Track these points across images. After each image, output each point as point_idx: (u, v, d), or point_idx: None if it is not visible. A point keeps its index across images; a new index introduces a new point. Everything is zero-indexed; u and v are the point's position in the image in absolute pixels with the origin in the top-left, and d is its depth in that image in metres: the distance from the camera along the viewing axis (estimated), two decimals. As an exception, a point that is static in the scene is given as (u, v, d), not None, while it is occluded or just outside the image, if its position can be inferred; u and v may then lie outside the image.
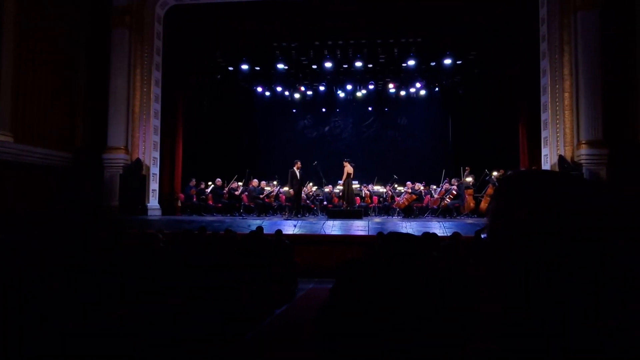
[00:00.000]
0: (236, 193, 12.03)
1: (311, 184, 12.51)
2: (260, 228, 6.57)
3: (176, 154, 12.73)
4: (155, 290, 2.31)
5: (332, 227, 8.75)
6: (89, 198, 10.13)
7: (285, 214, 11.03)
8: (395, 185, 13.05)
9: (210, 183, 12.35)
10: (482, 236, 5.06)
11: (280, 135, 16.66)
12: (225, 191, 11.99)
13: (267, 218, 10.82)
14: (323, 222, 9.05)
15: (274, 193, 12.23)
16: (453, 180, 11.46)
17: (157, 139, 11.52)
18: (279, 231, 6.53)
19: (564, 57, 9.50)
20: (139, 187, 10.60)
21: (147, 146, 11.03)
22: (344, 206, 10.85)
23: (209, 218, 10.78)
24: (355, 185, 12.46)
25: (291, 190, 10.87)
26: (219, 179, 12.17)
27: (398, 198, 11.89)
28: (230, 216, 11.37)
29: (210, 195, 12.13)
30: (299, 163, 10.82)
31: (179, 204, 12.43)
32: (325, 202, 12.75)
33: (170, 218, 10.38)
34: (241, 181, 12.46)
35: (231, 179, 12.19)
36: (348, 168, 10.79)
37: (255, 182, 12.13)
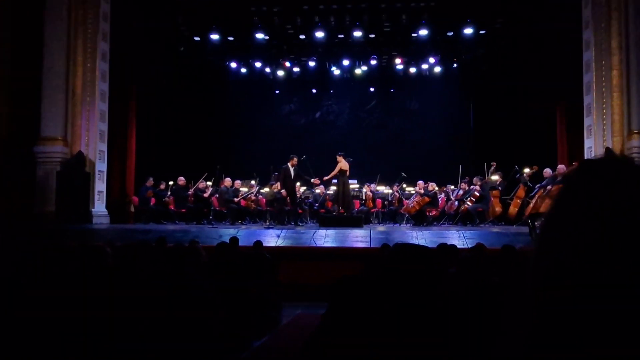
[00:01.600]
0: (204, 195, 12.02)
1: (298, 183, 12.57)
2: (234, 239, 6.56)
3: (129, 146, 12.65)
4: (98, 324, 2.27)
5: (325, 237, 8.77)
6: (15, 203, 10.02)
7: (267, 222, 11.04)
8: (404, 186, 13.13)
9: (171, 183, 12.30)
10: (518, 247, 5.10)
11: (260, 122, 16.65)
12: (190, 193, 11.97)
13: (243, 226, 10.82)
14: (313, 231, 9.06)
15: (252, 195, 12.26)
16: (475, 179, 11.56)
17: (105, 127, 11.42)
18: (259, 243, 6.52)
19: (612, 26, 9.38)
20: (81, 188, 10.50)
21: (92, 136, 10.94)
22: (340, 211, 10.91)
23: (171, 227, 10.74)
24: (354, 185, 12.54)
25: (283, 191, 10.95)
26: (183, 178, 12.14)
27: (407, 201, 11.97)
28: (197, 224, 11.37)
29: (171, 198, 12.09)
30: (294, 159, 10.93)
31: (133, 210, 12.36)
32: (316, 207, 12.80)
33: (122, 227, 10.31)
34: (210, 180, 12.43)
35: (198, 177, 12.16)
36: (342, 164, 10.83)
37: (228, 181, 12.13)
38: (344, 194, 10.80)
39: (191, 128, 15.22)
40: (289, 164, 10.94)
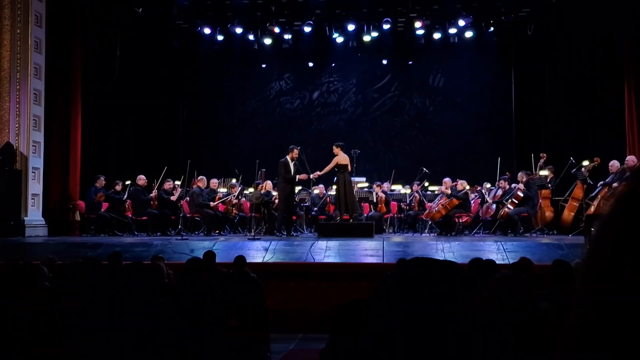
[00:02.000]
0: (172, 198, 12.03)
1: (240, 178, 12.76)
2: (210, 254, 6.55)
3: (72, 136, 12.61)
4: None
5: (326, 251, 8.80)
6: None
7: (252, 231, 11.09)
8: (426, 184, 13.17)
9: (129, 183, 12.31)
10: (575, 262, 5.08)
11: (242, 105, 16.69)
12: (153, 195, 11.97)
13: (221, 238, 10.83)
14: (311, 243, 9.08)
15: (233, 198, 12.27)
16: (520, 174, 11.55)
17: (41, 111, 11.39)
18: (241, 259, 6.52)
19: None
20: (9, 190, 10.49)
21: (24, 123, 10.91)
22: (344, 218, 10.93)
23: (128, 239, 10.76)
24: (363, 184, 12.54)
25: (274, 192, 10.83)
26: (143, 177, 12.14)
27: (430, 204, 11.99)
28: (163, 235, 11.42)
29: (129, 202, 12.08)
30: (295, 150, 11.04)
31: (78, 218, 12.35)
32: (314, 212, 12.81)
33: (64, 240, 10.29)
34: (179, 179, 12.45)
35: (162, 175, 12.17)
36: (340, 157, 10.90)
37: (202, 180, 12.15)
38: (345, 196, 10.82)
39: (154, 113, 15.23)
40: (288, 158, 10.96)
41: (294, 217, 12.10)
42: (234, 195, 12.33)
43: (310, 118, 16.56)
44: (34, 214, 11.20)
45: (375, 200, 12.58)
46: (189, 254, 8.34)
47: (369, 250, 8.85)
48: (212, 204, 11.83)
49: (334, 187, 11.59)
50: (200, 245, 9.05)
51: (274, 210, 11.69)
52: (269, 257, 8.53)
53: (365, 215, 12.38)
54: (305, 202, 12.69)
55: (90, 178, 12.34)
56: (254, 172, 11.99)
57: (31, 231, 10.88)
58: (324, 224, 11.38)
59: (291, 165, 10.93)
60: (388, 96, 16.46)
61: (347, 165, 10.91)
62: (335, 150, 10.97)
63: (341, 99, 16.55)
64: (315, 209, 12.89)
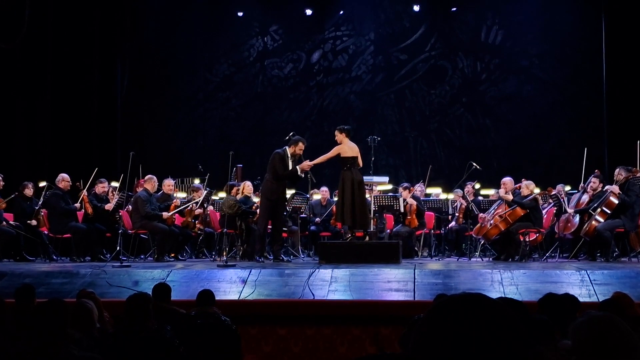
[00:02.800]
0: (106, 207, 12.07)
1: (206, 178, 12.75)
2: (162, 288, 6.56)
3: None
4: None
5: (331, 283, 8.81)
6: None
7: (223, 254, 11.09)
8: (477, 186, 13.17)
9: (44, 185, 12.35)
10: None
11: (208, 71, 16.68)
12: (80, 203, 11.96)
13: (179, 264, 10.85)
14: (310, 271, 9.08)
15: (195, 207, 12.33)
16: (617, 170, 11.54)
17: None
18: (207, 295, 6.51)
19: None
20: None
21: None
22: (356, 235, 10.95)
23: (43, 266, 10.71)
24: (384, 187, 12.51)
25: (255, 202, 10.82)
26: (66, 176, 12.12)
27: (483, 215, 12.00)
28: (94, 261, 11.44)
29: (44, 213, 12.12)
30: (301, 144, 11.07)
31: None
32: (313, 227, 12.85)
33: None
34: (117, 180, 12.45)
35: (90, 175, 12.19)
36: (344, 147, 10.78)
37: (150, 181, 12.14)
38: (353, 203, 10.75)
39: (81, 83, 15.22)
40: (288, 150, 10.94)
41: (285, 234, 12.08)
42: (197, 203, 12.31)
43: (308, 90, 16.58)
44: None
45: (402, 209, 12.53)
46: (132, 288, 8.32)
47: (393, 283, 8.82)
48: (165, 214, 11.81)
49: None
50: (147, 276, 9.03)
51: (255, 224, 11.69)
52: (248, 293, 8.50)
53: (389, 231, 12.38)
54: (301, 213, 12.70)
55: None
56: (227, 168, 11.97)
57: None
58: (327, 244, 11.35)
59: (289, 161, 10.89)
60: (421, 58, 16.50)
61: (355, 158, 10.83)
62: (339, 136, 10.89)
63: (353, 62, 16.60)
64: (317, 220, 12.88)
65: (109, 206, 12.06)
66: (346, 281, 8.84)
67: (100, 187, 12.25)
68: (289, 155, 10.92)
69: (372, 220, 11.24)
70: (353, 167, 10.80)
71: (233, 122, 16.21)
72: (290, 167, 10.92)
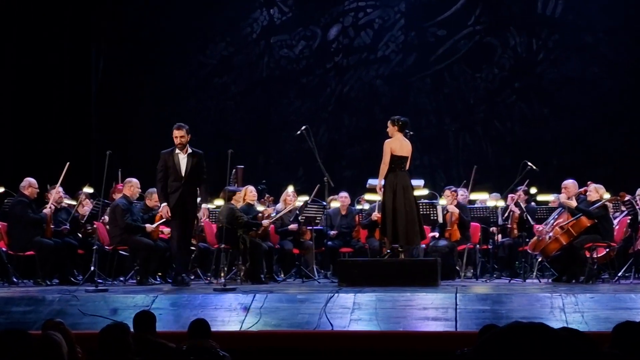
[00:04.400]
0: (79, 217, 12.19)
1: (290, 190, 12.59)
2: (145, 317, 6.58)
3: None
4: None
5: (354, 310, 8.81)
6: None
7: (222, 277, 11.09)
8: (532, 191, 13.21)
9: (1, 191, 12.50)
10: None
11: (201, 51, 16.70)
12: (48, 212, 12.00)
13: (166, 287, 10.92)
14: (328, 296, 9.09)
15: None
16: None
17: None
18: (202, 326, 6.55)
19: None
20: None
21: None
22: (389, 250, 10.93)
23: (1, 291, 10.77)
24: (418, 190, 12.49)
25: (261, 211, 10.87)
26: (31, 180, 12.16)
27: (540, 227, 12.01)
28: (64, 284, 11.49)
29: (2, 226, 12.23)
30: (175, 130, 11.12)
31: None
32: (331, 242, 12.93)
33: None
34: (89, 185, 12.52)
35: (62, 177, 12.25)
36: (395, 142, 10.80)
37: (130, 186, 12.16)
38: (393, 212, 10.81)
39: (50, 66, 15.33)
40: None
41: (296, 250, 12.10)
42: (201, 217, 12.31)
43: (324, 74, 16.57)
44: None
45: (441, 219, 12.56)
46: (109, 317, 8.35)
47: (430, 310, 8.81)
48: (148, 227, 11.84)
49: (378, 197, 11.51)
50: (128, 302, 9.06)
51: (261, 238, 11.74)
52: (251, 323, 8.53)
53: (424, 246, 12.38)
54: (317, 224, 12.71)
55: None
56: (225, 170, 11.98)
57: None
58: (348, 262, 11.38)
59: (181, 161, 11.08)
60: (463, 34, 16.49)
61: (403, 158, 10.86)
62: (391, 129, 10.92)
63: (379, 39, 16.59)
64: (331, 233, 12.91)
65: (81, 214, 12.07)
66: (372, 308, 8.82)
67: (82, 200, 12.32)
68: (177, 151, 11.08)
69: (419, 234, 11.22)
70: (398, 169, 10.81)
71: (232, 115, 16.21)
72: (184, 167, 11.07)
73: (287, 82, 16.45)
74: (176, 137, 11.06)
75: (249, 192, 12.23)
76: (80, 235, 12.43)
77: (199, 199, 11.36)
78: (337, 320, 8.52)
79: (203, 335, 6.34)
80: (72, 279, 11.78)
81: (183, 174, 10.95)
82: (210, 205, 12.80)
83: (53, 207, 12.01)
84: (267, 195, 13.03)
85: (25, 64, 15.02)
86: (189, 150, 11.05)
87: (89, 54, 16.07)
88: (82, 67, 16.03)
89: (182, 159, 11.01)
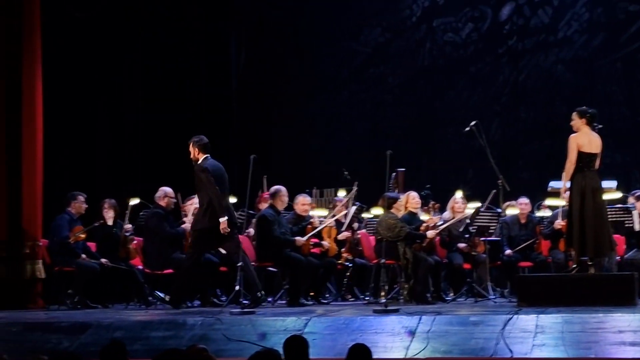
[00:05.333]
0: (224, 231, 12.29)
1: (459, 195, 12.49)
2: (297, 343, 6.55)
3: (27, 116, 13.11)
4: None
5: (536, 334, 8.61)
6: None
7: (382, 296, 11.10)
8: None
9: (135, 203, 12.74)
10: None
11: (354, 39, 16.77)
12: (186, 226, 12.22)
13: (319, 309, 10.90)
14: (506, 317, 8.91)
15: (332, 228, 12.41)
16: None
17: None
18: (360, 351, 6.48)
19: None
20: None
21: None
22: (585, 263, 10.72)
23: (137, 314, 11.05)
24: (610, 193, 12.24)
25: (426, 220, 10.98)
26: (169, 191, 12.42)
27: None
28: (204, 306, 11.71)
29: (135, 242, 12.49)
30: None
31: (42, 274, 12.77)
32: (507, 255, 12.76)
33: (15, 318, 10.69)
34: (234, 194, 12.67)
35: (193, 188, 12.41)
36: (581, 137, 10.60)
37: (278, 195, 12.21)
38: (580, 219, 10.59)
39: (183, 71, 15.61)
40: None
41: (467, 265, 11.98)
42: (344, 221, 12.38)
43: (496, 60, 16.46)
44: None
45: (638, 226, 12.33)
46: (257, 342, 8.43)
47: (627, 334, 8.51)
48: (299, 240, 11.83)
49: (562, 201, 11.39)
50: (278, 326, 9.10)
51: (426, 252, 11.65)
52: (418, 349, 8.44)
53: (619, 258, 12.18)
54: (491, 234, 12.52)
55: (59, 202, 12.82)
56: (383, 174, 11.94)
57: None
58: (529, 278, 11.25)
59: None
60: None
61: (592, 155, 10.65)
62: (577, 122, 10.69)
63: (559, 17, 16.38)
64: (507, 252, 12.70)
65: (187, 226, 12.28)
66: (558, 332, 8.63)
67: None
68: None
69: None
70: (587, 168, 10.62)
71: (390, 109, 16.23)
72: None
73: (452, 71, 16.38)
74: None
75: (411, 199, 12.17)
76: (222, 251, 12.56)
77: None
78: (517, 345, 8.36)
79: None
80: (215, 300, 11.94)
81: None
82: (367, 215, 12.77)
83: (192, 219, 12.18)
84: (432, 202, 12.91)
85: (156, 60, 15.31)
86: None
87: (228, 48, 16.27)
88: (220, 63, 16.28)
89: None
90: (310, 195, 13.00)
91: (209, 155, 11.38)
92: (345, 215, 12.55)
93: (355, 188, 12.93)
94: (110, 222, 12.55)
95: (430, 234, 11.86)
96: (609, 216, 11.60)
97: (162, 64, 15.40)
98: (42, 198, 13.02)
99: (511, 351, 8.23)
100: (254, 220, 12.31)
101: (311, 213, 12.54)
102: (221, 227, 10.96)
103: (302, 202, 12.47)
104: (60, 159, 13.63)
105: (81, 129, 14.58)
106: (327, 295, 12.70)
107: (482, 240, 12.44)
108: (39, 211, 12.99)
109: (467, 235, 12.24)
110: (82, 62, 14.59)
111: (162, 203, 12.29)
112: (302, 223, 12.21)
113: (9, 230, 12.76)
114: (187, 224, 12.15)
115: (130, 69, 15.25)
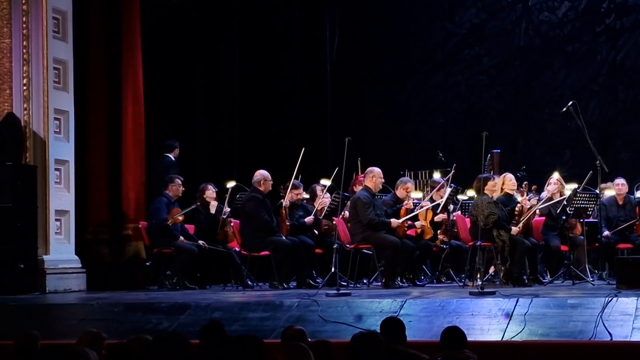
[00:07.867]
0: (318, 216, 12.42)
1: (555, 176, 12.31)
2: (393, 324, 6.52)
3: (129, 100, 13.31)
4: None
5: (637, 317, 8.44)
6: None
7: (476, 279, 11.05)
8: None
9: (232, 186, 12.82)
10: None
11: (441, 27, 16.68)
12: (284, 208, 12.33)
13: (415, 291, 10.94)
14: (605, 299, 8.70)
15: (428, 211, 12.37)
16: None
17: (67, 53, 12.15)
18: (455, 334, 6.42)
19: None
20: (16, 205, 11.20)
21: (36, 76, 11.62)
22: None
23: (234, 295, 11.18)
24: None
25: (529, 202, 10.94)
26: (267, 174, 12.42)
27: None
28: (300, 287, 11.81)
29: (234, 224, 12.60)
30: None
31: (143, 255, 12.97)
32: (605, 237, 12.55)
33: (117, 299, 10.89)
34: (329, 177, 12.75)
35: (297, 169, 12.54)
36: None
37: (372, 177, 12.18)
38: None
39: (278, 53, 15.68)
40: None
41: (564, 247, 11.85)
42: (437, 203, 12.38)
43: (594, 40, 16.18)
44: (60, 250, 11.87)
45: None
46: (354, 324, 8.42)
47: None
48: (394, 222, 11.76)
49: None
50: (374, 307, 9.10)
51: (522, 234, 11.54)
52: (515, 332, 8.40)
53: None
54: (588, 216, 12.36)
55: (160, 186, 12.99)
56: (479, 155, 11.84)
57: (56, 282, 11.53)
58: (629, 260, 11.07)
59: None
60: None
61: None
62: None
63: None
64: (606, 233, 12.54)
65: (309, 220, 12.28)
66: None
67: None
68: None
69: None
70: None
71: (485, 91, 16.06)
72: None
73: (549, 51, 16.13)
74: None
75: (508, 181, 12.01)
76: (317, 232, 12.59)
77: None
78: (617, 329, 8.23)
79: (458, 346, 6.25)
80: (311, 281, 11.97)
81: None
82: (462, 197, 12.70)
83: (288, 203, 12.27)
84: (525, 183, 12.77)
85: (253, 43, 15.37)
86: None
87: (322, 28, 16.27)
88: (315, 44, 16.26)
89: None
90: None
91: None
92: (442, 197, 12.51)
93: (452, 170, 12.87)
94: (213, 207, 12.75)
95: (514, 230, 11.69)
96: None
97: (258, 50, 15.45)
98: (143, 181, 13.24)
99: (610, 334, 8.11)
100: (348, 203, 12.26)
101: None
102: None
103: (406, 187, 12.37)
104: (159, 142, 13.78)
105: (179, 112, 14.75)
106: (423, 278, 12.63)
107: (580, 222, 12.31)
108: (141, 193, 13.20)
109: (564, 217, 12.11)
110: (179, 46, 14.72)
111: (261, 187, 12.32)
112: (397, 205, 12.19)
113: (110, 212, 12.97)
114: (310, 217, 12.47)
115: (226, 54, 15.33)
